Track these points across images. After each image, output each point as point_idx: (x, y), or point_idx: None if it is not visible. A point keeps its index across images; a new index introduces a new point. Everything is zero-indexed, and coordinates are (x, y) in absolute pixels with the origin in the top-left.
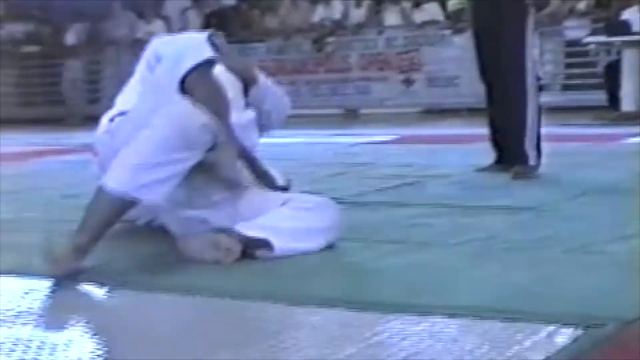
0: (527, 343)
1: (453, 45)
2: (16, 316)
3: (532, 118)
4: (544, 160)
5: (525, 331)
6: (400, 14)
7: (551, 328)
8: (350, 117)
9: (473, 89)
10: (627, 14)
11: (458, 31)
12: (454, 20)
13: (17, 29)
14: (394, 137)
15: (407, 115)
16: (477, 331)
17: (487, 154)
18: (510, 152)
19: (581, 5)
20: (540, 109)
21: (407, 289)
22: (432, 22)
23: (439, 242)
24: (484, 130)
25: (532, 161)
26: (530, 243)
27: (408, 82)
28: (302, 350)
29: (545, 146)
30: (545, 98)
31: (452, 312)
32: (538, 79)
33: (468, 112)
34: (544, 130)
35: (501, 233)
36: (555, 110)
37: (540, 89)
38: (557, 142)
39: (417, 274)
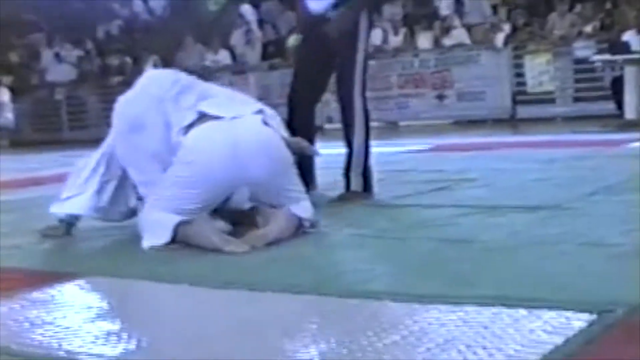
0: (548, 327)
1: (479, 64)
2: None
3: (359, 147)
4: None
5: (545, 317)
6: (431, 39)
7: (569, 314)
8: (391, 129)
9: (497, 102)
10: (627, 36)
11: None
12: (291, 55)
13: (105, 62)
14: (428, 146)
15: (440, 126)
16: (504, 318)
17: (510, 158)
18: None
19: (588, 29)
20: (367, 142)
21: (442, 281)
22: (460, 45)
23: (468, 238)
24: (507, 138)
25: (355, 187)
26: (549, 238)
27: (441, 97)
28: (353, 334)
29: (558, 151)
30: (559, 109)
31: (482, 302)
32: (366, 113)
33: (493, 122)
34: None
35: (524, 229)
36: (567, 119)
37: (367, 122)
38: (569, 148)
39: (450, 267)
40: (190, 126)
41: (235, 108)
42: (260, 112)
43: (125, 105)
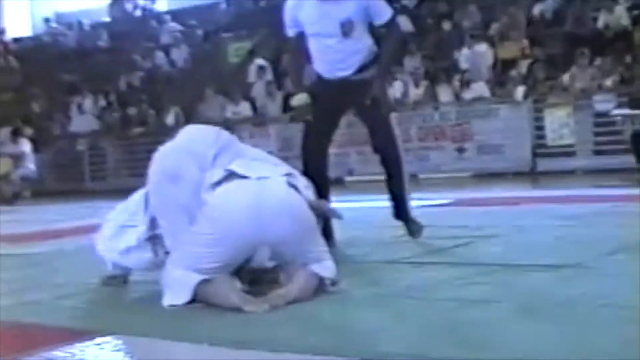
0: None
1: (499, 118)
2: None
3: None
4: None
5: None
6: (451, 92)
7: None
8: (411, 181)
9: (517, 155)
10: None
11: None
12: (297, 115)
13: (127, 112)
14: (449, 200)
15: (460, 179)
16: None
17: (531, 214)
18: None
19: (608, 82)
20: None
21: (461, 345)
22: (480, 98)
23: (488, 299)
24: (527, 193)
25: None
26: (570, 299)
27: (461, 150)
28: None
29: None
30: (579, 162)
31: None
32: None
33: (513, 175)
34: None
35: (543, 290)
36: (588, 172)
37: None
38: (590, 203)
39: (469, 330)
40: (217, 184)
41: (263, 169)
42: (287, 175)
43: (164, 156)
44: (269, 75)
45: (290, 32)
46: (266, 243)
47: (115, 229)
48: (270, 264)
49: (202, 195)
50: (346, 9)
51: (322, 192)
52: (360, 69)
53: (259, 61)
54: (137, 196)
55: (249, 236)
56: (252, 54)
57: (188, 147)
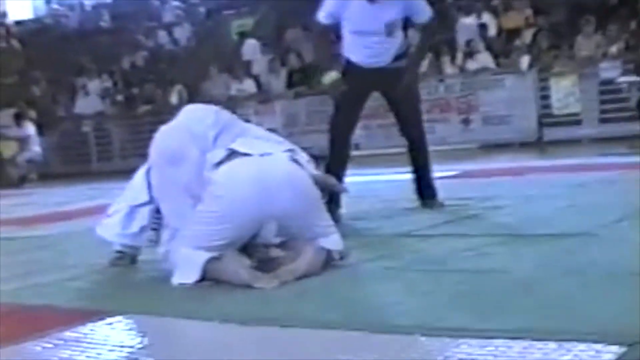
0: None
1: (504, 88)
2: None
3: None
4: None
5: (575, 350)
6: (455, 63)
7: (599, 346)
8: None
9: (523, 125)
10: None
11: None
12: (331, 92)
13: (131, 92)
14: (455, 172)
15: (466, 151)
16: (534, 352)
17: (538, 184)
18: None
19: (613, 50)
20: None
21: (472, 314)
22: (484, 69)
23: (497, 269)
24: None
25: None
26: (578, 267)
27: (466, 121)
28: None
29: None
30: (585, 130)
31: (512, 335)
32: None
33: (519, 146)
34: None
35: (552, 259)
36: (594, 140)
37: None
38: (597, 171)
39: (479, 300)
40: (219, 163)
41: (265, 146)
42: (289, 150)
43: (164, 137)
44: (266, 53)
45: (325, 20)
46: (272, 217)
47: (125, 213)
48: (277, 240)
49: (205, 175)
50: (392, 10)
51: (342, 167)
52: (395, 59)
53: (251, 41)
54: (139, 176)
55: (255, 211)
56: (243, 35)
57: (188, 128)
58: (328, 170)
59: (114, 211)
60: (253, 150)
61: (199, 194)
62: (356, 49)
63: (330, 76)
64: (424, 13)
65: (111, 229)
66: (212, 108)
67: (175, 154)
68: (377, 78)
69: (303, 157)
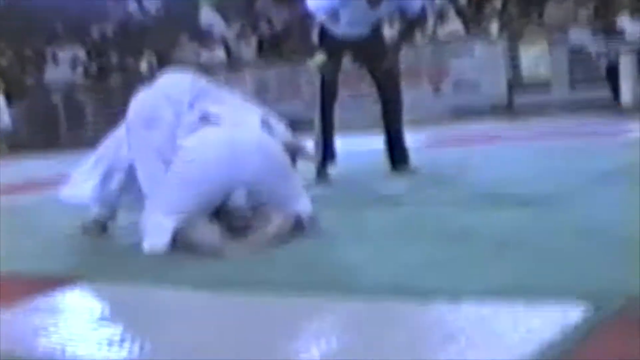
0: (547, 321)
1: (474, 55)
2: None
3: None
4: None
5: (544, 309)
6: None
7: (567, 306)
8: None
9: (493, 91)
10: (620, 22)
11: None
12: (320, 72)
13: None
14: (427, 139)
15: (437, 118)
16: (504, 313)
17: (509, 150)
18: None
19: (582, 15)
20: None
21: (442, 278)
22: (455, 35)
23: (467, 233)
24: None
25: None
26: (547, 229)
27: (437, 89)
28: (354, 333)
29: (556, 143)
30: (555, 95)
31: (481, 297)
32: None
33: (490, 111)
34: None
35: (521, 222)
36: (564, 106)
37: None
38: (567, 138)
39: (449, 263)
40: (191, 129)
41: (237, 114)
42: (262, 119)
43: (142, 101)
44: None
45: (320, 14)
46: (241, 183)
47: (101, 176)
48: (247, 206)
49: (177, 141)
50: (383, 9)
51: (331, 134)
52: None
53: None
54: (114, 139)
55: (224, 177)
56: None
57: (164, 93)
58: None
59: (81, 176)
60: (225, 116)
61: (170, 159)
62: (337, 20)
63: (319, 58)
64: (416, 3)
65: (85, 192)
66: (189, 74)
67: (150, 117)
68: (354, 46)
69: (276, 124)
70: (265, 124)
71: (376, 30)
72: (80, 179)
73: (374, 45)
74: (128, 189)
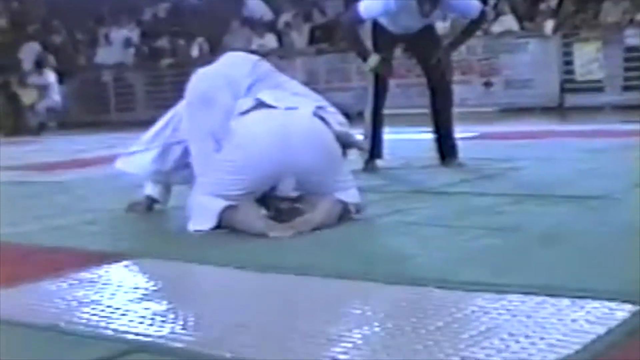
0: (591, 317)
1: (527, 52)
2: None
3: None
4: None
5: (588, 307)
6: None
7: (612, 304)
8: None
9: (545, 90)
10: None
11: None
12: (375, 72)
13: (154, 44)
14: (475, 134)
15: (487, 114)
16: (547, 307)
17: (558, 147)
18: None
19: (639, 17)
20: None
21: (488, 269)
22: (508, 32)
23: (514, 227)
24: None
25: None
26: (594, 228)
27: (488, 84)
28: (397, 319)
29: (606, 141)
30: (608, 97)
31: (526, 291)
32: None
33: (540, 110)
34: None
35: (569, 219)
36: (616, 108)
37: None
38: (618, 138)
39: (495, 256)
40: (245, 112)
41: (293, 100)
42: (319, 107)
43: (200, 78)
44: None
45: (367, 17)
46: (291, 172)
47: (159, 150)
48: (295, 194)
49: (230, 123)
50: (436, 16)
51: (380, 128)
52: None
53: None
54: (172, 115)
55: (274, 164)
56: None
57: (224, 74)
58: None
59: (138, 149)
60: (280, 103)
61: (222, 141)
62: (391, 24)
63: (373, 59)
64: (474, 9)
65: (141, 165)
66: (252, 58)
67: (208, 96)
68: (406, 38)
69: (332, 112)
70: (319, 113)
71: (429, 25)
72: (138, 151)
73: (427, 39)
74: (183, 166)
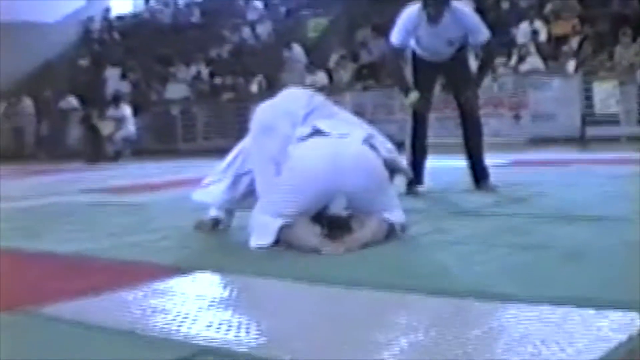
0: (614, 326)
1: (552, 88)
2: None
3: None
4: None
5: (612, 316)
6: (506, 66)
7: (633, 314)
8: None
9: (568, 123)
10: None
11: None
12: (415, 107)
13: (216, 81)
14: (506, 161)
15: (516, 144)
16: (574, 317)
17: (580, 174)
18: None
19: None
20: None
21: (520, 283)
22: (535, 71)
23: (543, 245)
24: (577, 155)
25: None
26: (615, 246)
27: (517, 117)
28: (439, 328)
29: (623, 168)
30: (624, 129)
31: (555, 302)
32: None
33: (564, 141)
34: None
35: (592, 238)
36: (631, 139)
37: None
38: (634, 165)
39: (527, 270)
40: (303, 139)
41: (345, 128)
42: (369, 135)
43: (263, 110)
44: (337, 50)
45: (398, 43)
46: (341, 192)
47: (230, 181)
48: (345, 212)
49: (289, 149)
50: (453, 29)
51: (422, 157)
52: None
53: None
54: (241, 148)
55: (325, 186)
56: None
57: (284, 105)
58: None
59: (212, 180)
60: (333, 130)
61: (281, 165)
62: (423, 52)
63: (414, 95)
64: (481, 34)
65: (215, 195)
66: (307, 91)
67: (268, 125)
68: (440, 65)
69: (382, 141)
70: (368, 140)
71: (461, 51)
72: (212, 182)
73: (461, 71)
74: (250, 193)
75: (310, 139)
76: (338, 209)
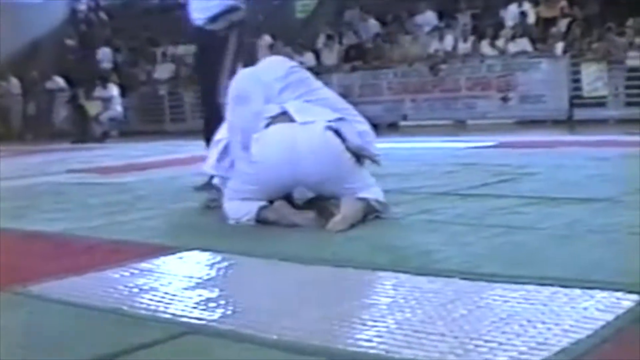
0: (600, 306)
1: (540, 70)
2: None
3: None
4: None
5: (598, 296)
6: (494, 46)
7: (619, 294)
8: (459, 127)
9: (556, 105)
10: None
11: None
12: None
13: None
14: (494, 143)
15: (504, 125)
16: (561, 297)
17: (568, 155)
18: None
19: (638, 40)
20: None
21: (506, 263)
22: (523, 53)
23: (530, 226)
24: (564, 137)
25: None
26: (602, 227)
27: (505, 99)
28: (424, 307)
29: (610, 150)
30: (611, 112)
31: (542, 282)
32: None
33: (551, 123)
34: None
35: (579, 219)
36: (619, 121)
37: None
38: (621, 147)
39: (513, 251)
40: (269, 120)
41: (313, 113)
42: (338, 119)
43: (241, 77)
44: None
45: None
46: (300, 184)
47: (221, 148)
48: (311, 194)
49: (258, 126)
50: None
51: None
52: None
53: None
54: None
55: (284, 178)
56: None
57: (258, 76)
58: None
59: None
60: (299, 115)
61: (248, 142)
62: None
63: None
64: None
65: (210, 162)
66: (288, 63)
67: (241, 94)
68: None
69: (353, 125)
70: (333, 126)
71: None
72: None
73: None
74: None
75: (273, 125)
76: (301, 195)
